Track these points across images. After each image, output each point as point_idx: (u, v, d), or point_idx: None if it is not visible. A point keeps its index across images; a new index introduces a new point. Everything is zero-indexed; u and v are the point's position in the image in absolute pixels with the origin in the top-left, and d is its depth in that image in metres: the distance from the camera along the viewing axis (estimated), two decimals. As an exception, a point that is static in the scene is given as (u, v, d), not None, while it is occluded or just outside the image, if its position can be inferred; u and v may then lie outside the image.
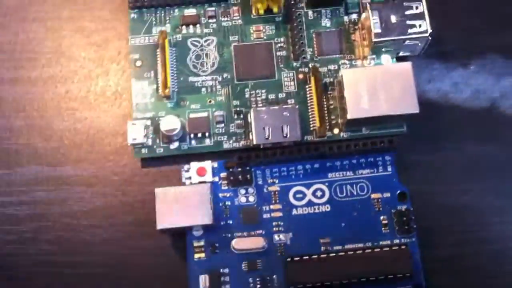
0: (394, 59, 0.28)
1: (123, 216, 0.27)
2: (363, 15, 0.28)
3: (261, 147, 0.27)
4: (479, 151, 0.28)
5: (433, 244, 0.26)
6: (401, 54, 0.28)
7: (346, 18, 0.29)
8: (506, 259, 0.26)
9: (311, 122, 0.28)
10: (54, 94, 0.29)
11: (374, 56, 0.29)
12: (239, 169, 0.27)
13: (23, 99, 0.29)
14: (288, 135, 0.27)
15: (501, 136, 0.28)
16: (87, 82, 0.29)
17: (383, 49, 0.28)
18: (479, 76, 0.29)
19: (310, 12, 0.29)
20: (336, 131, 0.28)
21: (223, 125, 0.28)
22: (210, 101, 0.28)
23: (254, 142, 0.27)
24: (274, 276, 0.26)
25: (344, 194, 0.27)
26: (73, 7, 0.30)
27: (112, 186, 0.28)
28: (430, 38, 0.27)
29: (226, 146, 0.28)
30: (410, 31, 0.27)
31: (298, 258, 0.25)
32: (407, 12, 0.27)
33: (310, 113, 0.28)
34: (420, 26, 0.27)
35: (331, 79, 0.28)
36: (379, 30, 0.27)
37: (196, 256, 0.26)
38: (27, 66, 0.30)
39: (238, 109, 0.28)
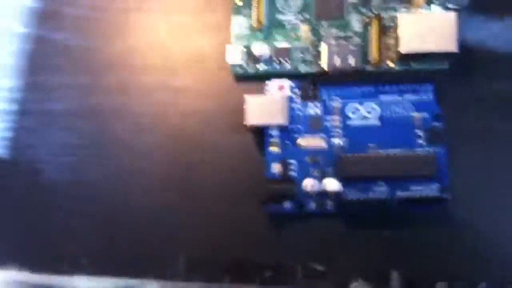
0: (444, 10, 0.33)
1: (220, 115, 0.34)
2: (421, -29, 0.34)
3: (329, 72, 0.33)
4: (504, 88, 0.31)
5: (460, 156, 0.31)
6: (449, 6, 0.33)
7: None
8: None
9: (370, 55, 0.33)
10: (170, 23, 0.35)
11: (426, 5, 0.33)
12: (310, 87, 0.33)
13: (145, 26, 0.35)
14: (352, 64, 0.32)
15: None
16: (196, 14, 0.35)
17: (434, 1, 0.33)
18: (511, 29, 0.33)
19: None
20: (390, 63, 0.33)
21: (301, 54, 0.34)
22: (292, 35, 0.35)
23: (324, 68, 0.32)
24: (330, 168, 0.31)
25: (391, 112, 0.31)
26: None
27: (212, 94, 0.34)
28: None
29: (302, 70, 0.33)
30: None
31: (349, 155, 0.31)
32: None
33: (370, 48, 0.33)
34: None
35: (391, 23, 0.33)
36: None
37: (271, 149, 0.32)
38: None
39: (314, 42, 0.34)
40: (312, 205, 0.31)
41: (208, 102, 0.33)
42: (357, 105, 0.32)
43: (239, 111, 0.32)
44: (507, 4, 0.32)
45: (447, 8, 0.32)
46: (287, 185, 0.30)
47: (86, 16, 0.35)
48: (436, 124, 0.31)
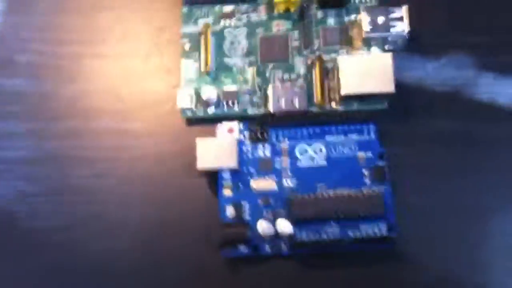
0: (382, 51, 0.30)
1: (173, 159, 0.29)
2: (358, 17, 0.30)
3: (275, 114, 0.29)
4: (441, 126, 0.29)
5: (404, 194, 0.28)
6: (386, 47, 0.30)
7: (346, 18, 0.31)
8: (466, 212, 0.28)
9: (315, 97, 0.30)
10: (122, 68, 0.31)
11: (365, 48, 0.30)
12: (259, 129, 0.29)
13: (98, 71, 0.31)
14: (297, 105, 0.29)
15: (461, 115, 0.29)
16: (146, 59, 0.31)
17: (372, 43, 0.30)
18: (447, 68, 0.30)
19: (319, 12, 0.31)
20: (333, 104, 0.30)
21: (248, 96, 0.30)
22: (239, 78, 0.30)
23: (271, 110, 0.29)
24: (282, 210, 0.28)
25: (337, 152, 0.29)
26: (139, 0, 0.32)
27: (164, 138, 0.30)
28: (407, 36, 0.29)
29: (250, 112, 0.30)
30: (392, 30, 0.29)
31: (300, 197, 0.27)
32: (391, 16, 0.29)
33: (314, 90, 0.30)
34: (400, 26, 0.29)
35: (332, 65, 0.30)
36: (368, 28, 0.29)
37: (224, 192, 0.28)
38: (101, 44, 0.31)
39: (260, 84, 0.30)
40: (267, 248, 0.28)
41: (161, 146, 0.29)
42: (305, 146, 0.29)
43: (192, 154, 0.28)
44: (442, 44, 0.30)
45: (384, 50, 0.30)
46: (242, 229, 0.28)
47: (38, 62, 0.32)
48: (380, 163, 0.28)
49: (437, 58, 0.30)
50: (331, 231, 0.28)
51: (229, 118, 0.30)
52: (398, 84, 0.29)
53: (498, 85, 0.30)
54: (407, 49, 0.30)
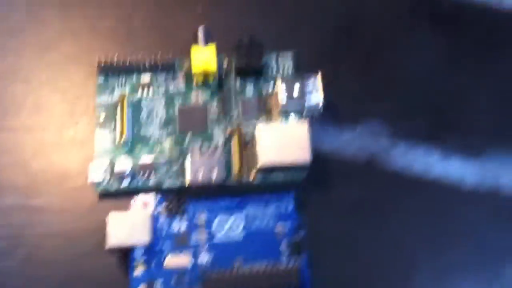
0: (299, 120, 0.30)
1: (79, 238, 0.28)
2: (275, 88, 0.30)
3: (192, 186, 0.28)
4: (358, 195, 0.29)
5: (323, 262, 0.28)
6: (304, 116, 0.30)
7: (264, 89, 0.31)
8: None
9: (233, 168, 0.29)
10: (33, 141, 0.30)
11: (283, 118, 0.30)
12: (176, 201, 0.28)
13: (6, 144, 0.30)
14: (215, 177, 0.29)
15: (376, 184, 0.30)
16: (60, 131, 0.30)
17: (290, 112, 0.30)
18: (362, 137, 0.31)
19: (238, 83, 0.31)
20: (251, 177, 0.29)
21: (166, 167, 0.29)
22: (156, 149, 0.30)
23: (187, 183, 0.29)
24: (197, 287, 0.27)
25: (255, 224, 0.28)
26: (51, 70, 0.31)
27: (74, 214, 0.29)
28: (321, 108, 0.30)
29: (166, 185, 0.29)
30: (306, 102, 0.30)
31: (215, 274, 0.27)
32: (306, 86, 0.30)
33: (233, 161, 0.29)
34: (315, 97, 0.30)
35: (251, 135, 0.30)
36: (284, 101, 0.30)
37: (136, 271, 0.27)
38: (12, 117, 0.30)
39: (178, 155, 0.30)
40: None
41: (70, 222, 0.28)
42: (222, 219, 0.28)
43: (104, 231, 0.27)
44: (358, 113, 0.31)
45: (301, 118, 0.30)
46: None
47: None
48: (298, 235, 0.28)
49: (353, 127, 0.31)
50: None
51: (145, 190, 0.29)
52: (316, 153, 0.29)
53: (412, 153, 0.31)
54: (324, 117, 0.31)
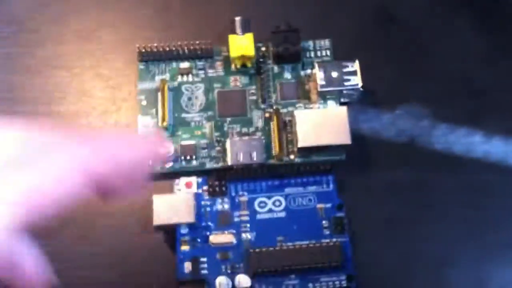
0: (338, 104, 0.32)
1: (128, 217, 0.30)
2: (313, 71, 0.33)
3: (234, 167, 0.31)
4: (399, 176, 0.31)
5: (363, 244, 0.30)
6: (342, 100, 0.32)
7: (302, 73, 0.33)
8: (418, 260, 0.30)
9: (272, 150, 0.32)
10: (78, 125, 0.33)
11: (321, 101, 0.32)
12: (217, 183, 0.30)
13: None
14: (255, 159, 0.31)
15: (417, 165, 0.32)
16: (103, 116, 0.33)
17: (328, 97, 0.32)
18: (402, 119, 0.33)
19: (275, 67, 0.34)
20: (291, 157, 0.32)
21: (206, 150, 0.32)
22: (197, 132, 0.32)
23: (229, 164, 0.31)
24: (241, 264, 0.29)
25: (296, 204, 0.30)
26: (93, 58, 0.34)
27: None
28: (361, 89, 0.32)
29: (208, 166, 0.32)
30: (346, 84, 0.32)
31: (259, 250, 0.29)
32: (345, 70, 0.32)
33: (272, 143, 0.32)
34: (353, 80, 0.32)
35: (289, 118, 0.32)
36: (323, 83, 0.32)
37: (182, 248, 0.29)
38: (57, 103, 0.33)
39: (218, 138, 0.32)
40: None
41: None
42: (264, 199, 0.31)
43: (149, 211, 0.29)
44: (396, 96, 0.33)
45: (340, 103, 0.32)
46: (198, 286, 0.28)
47: None
48: (339, 214, 0.30)
49: (392, 109, 0.33)
50: (291, 283, 0.29)
51: (187, 172, 0.31)
52: (356, 135, 0.31)
53: (454, 134, 0.33)
54: (363, 101, 0.32)
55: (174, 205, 0.29)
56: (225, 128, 0.32)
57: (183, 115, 0.33)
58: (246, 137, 0.32)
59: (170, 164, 0.31)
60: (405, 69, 0.34)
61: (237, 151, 0.31)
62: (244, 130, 0.32)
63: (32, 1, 0.35)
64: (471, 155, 0.32)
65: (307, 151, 0.31)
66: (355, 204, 0.30)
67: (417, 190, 0.31)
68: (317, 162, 0.31)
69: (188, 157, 0.32)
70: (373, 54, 0.34)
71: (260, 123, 0.32)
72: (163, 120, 0.32)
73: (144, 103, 0.33)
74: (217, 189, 0.31)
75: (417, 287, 0.29)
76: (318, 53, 0.34)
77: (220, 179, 0.31)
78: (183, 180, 0.31)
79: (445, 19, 0.35)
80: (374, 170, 0.32)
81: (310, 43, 0.34)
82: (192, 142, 0.32)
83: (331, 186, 0.31)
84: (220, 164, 0.31)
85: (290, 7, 0.35)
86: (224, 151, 0.31)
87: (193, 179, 0.31)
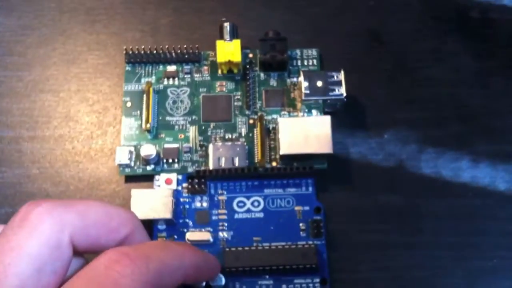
0: (322, 114, 0.38)
1: None
2: (298, 79, 0.39)
3: (215, 172, 0.36)
4: (387, 198, 0.36)
5: (338, 247, 0.35)
6: (326, 110, 0.38)
7: (288, 81, 0.39)
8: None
9: (255, 156, 0.37)
10: (63, 150, 0.38)
11: (306, 110, 0.38)
12: (197, 181, 0.36)
13: (38, 153, 0.38)
14: (237, 164, 0.36)
15: (405, 189, 0.36)
16: (89, 141, 0.38)
17: (312, 106, 0.38)
18: (390, 143, 0.38)
19: (262, 74, 0.39)
20: (273, 163, 0.37)
21: (189, 154, 0.37)
22: (180, 136, 0.38)
23: (210, 168, 0.36)
24: None
25: (275, 205, 0.36)
26: (80, 82, 0.39)
27: (102, 196, 0.37)
28: (345, 99, 0.37)
29: (189, 170, 0.37)
30: (330, 93, 0.37)
31: (234, 248, 0.34)
32: (330, 80, 0.38)
33: (255, 149, 0.37)
34: (338, 90, 0.38)
35: (273, 125, 0.38)
36: (307, 91, 0.38)
37: None
38: (42, 127, 0.38)
39: (201, 143, 0.38)
40: None
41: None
42: (243, 199, 0.36)
43: (127, 205, 0.35)
44: (384, 120, 0.38)
45: (324, 112, 0.38)
46: None
47: None
48: (316, 217, 0.35)
49: (380, 133, 0.38)
50: (265, 283, 0.34)
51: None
52: (342, 155, 0.37)
53: (441, 158, 0.38)
54: (351, 126, 0.38)
55: (152, 200, 0.34)
56: (209, 133, 0.38)
57: (168, 118, 0.38)
58: (229, 143, 0.37)
59: (152, 166, 0.37)
60: (393, 92, 0.39)
61: (219, 155, 0.36)
62: (228, 135, 0.38)
63: (19, 24, 0.41)
64: (458, 179, 0.37)
65: (289, 158, 0.36)
66: (333, 208, 0.36)
67: (403, 215, 0.36)
68: (298, 168, 0.36)
69: (170, 160, 0.37)
70: (360, 76, 0.39)
71: (244, 129, 0.38)
72: (147, 122, 0.38)
73: (128, 104, 0.39)
74: (196, 187, 0.36)
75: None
76: (305, 62, 0.40)
77: (200, 178, 0.36)
78: (163, 176, 0.36)
79: (434, 44, 0.40)
80: (358, 190, 0.37)
81: (298, 51, 0.40)
82: (175, 145, 0.37)
83: (310, 189, 0.36)
84: (202, 169, 0.36)
85: (280, 17, 0.41)
86: (206, 155, 0.37)
87: (173, 176, 0.36)
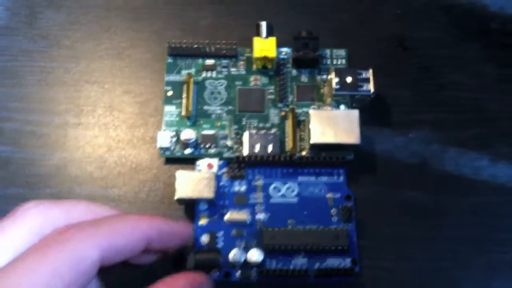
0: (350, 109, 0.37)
1: (153, 196, 0.36)
2: (329, 76, 0.40)
3: (249, 158, 0.35)
4: (408, 194, 0.36)
5: (364, 236, 0.35)
6: (354, 105, 0.38)
7: (318, 77, 0.38)
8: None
9: (286, 145, 0.37)
10: (106, 137, 0.37)
11: (335, 104, 0.38)
12: (236, 167, 0.36)
13: (83, 140, 0.37)
14: (270, 151, 0.35)
15: (428, 186, 0.36)
16: (131, 129, 0.37)
17: (341, 101, 0.38)
18: (414, 142, 0.38)
19: (294, 71, 0.39)
20: (303, 153, 0.37)
21: (224, 141, 0.37)
22: (217, 124, 0.38)
23: (245, 154, 0.35)
24: (254, 241, 0.33)
25: (308, 192, 0.35)
26: (124, 75, 0.39)
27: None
28: (372, 95, 0.37)
29: (225, 155, 0.36)
30: (359, 89, 0.37)
31: (271, 229, 0.33)
32: (359, 77, 0.37)
33: (286, 139, 0.38)
34: (366, 86, 0.38)
35: (303, 118, 0.37)
36: (338, 86, 0.38)
37: (200, 222, 0.34)
38: (87, 115, 0.38)
39: (236, 131, 0.38)
40: (237, 275, 0.32)
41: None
42: (278, 185, 0.35)
43: (172, 188, 0.35)
44: (409, 120, 0.38)
45: (352, 107, 0.37)
46: (215, 255, 0.32)
47: (23, 130, 0.37)
48: (347, 204, 0.34)
49: (405, 132, 0.38)
50: (299, 262, 0.33)
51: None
52: (370, 152, 0.37)
53: (462, 158, 0.37)
54: (378, 125, 0.38)
55: (195, 181, 0.33)
56: (243, 122, 0.37)
57: (205, 107, 0.37)
58: (263, 131, 0.37)
59: (190, 150, 0.36)
60: (417, 95, 0.39)
61: (253, 143, 0.36)
62: (261, 125, 0.37)
63: (67, 20, 0.40)
64: (478, 177, 0.37)
65: (318, 148, 0.35)
66: (363, 197, 0.36)
67: (427, 207, 0.35)
68: (325, 158, 0.36)
69: (208, 145, 0.37)
70: (386, 78, 0.38)
71: (276, 120, 0.37)
72: (187, 110, 0.38)
73: (169, 93, 0.38)
74: (236, 171, 0.35)
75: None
76: (334, 61, 0.39)
77: (239, 164, 0.35)
78: (205, 161, 0.35)
79: (457, 51, 0.40)
80: (383, 184, 0.37)
81: (328, 51, 0.39)
82: (212, 132, 0.37)
83: (342, 178, 0.35)
84: (237, 155, 0.36)
85: (310, 22, 0.40)
86: (241, 142, 0.36)
87: (215, 161, 0.35)
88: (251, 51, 0.38)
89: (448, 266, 0.34)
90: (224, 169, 0.35)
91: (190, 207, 0.34)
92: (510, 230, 0.35)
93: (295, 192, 0.35)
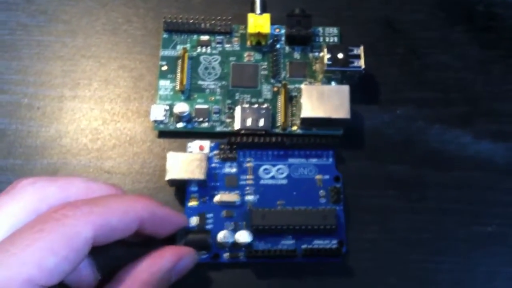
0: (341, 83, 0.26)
1: (147, 168, 0.25)
2: (321, 53, 0.27)
3: (241, 132, 0.25)
4: (394, 168, 0.25)
5: (351, 210, 0.24)
6: (344, 82, 0.26)
7: (311, 55, 0.27)
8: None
9: (278, 120, 0.26)
10: (102, 110, 0.26)
11: (326, 81, 0.27)
12: (228, 149, 0.25)
13: (79, 112, 0.26)
14: (262, 125, 0.25)
15: (413, 159, 0.26)
16: (126, 103, 0.26)
17: (332, 78, 0.26)
18: (401, 118, 0.27)
19: (287, 47, 0.27)
20: (294, 127, 0.26)
21: (218, 115, 0.26)
22: (211, 98, 0.26)
23: (237, 128, 0.25)
24: (244, 222, 0.23)
25: (298, 173, 0.24)
26: (119, 50, 0.27)
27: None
28: (363, 71, 0.26)
29: (218, 129, 0.26)
30: (350, 65, 0.26)
31: (260, 209, 0.23)
32: (350, 53, 0.26)
33: (278, 114, 0.26)
34: (357, 62, 0.26)
35: (295, 93, 0.26)
36: (329, 62, 0.26)
37: (190, 203, 0.24)
38: (83, 88, 0.27)
39: (229, 106, 0.26)
40: (226, 256, 0.23)
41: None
42: (268, 166, 0.25)
43: (163, 168, 0.24)
44: (396, 99, 0.27)
45: (342, 84, 0.26)
46: (204, 236, 0.23)
47: (20, 102, 0.26)
48: (335, 185, 0.24)
49: (393, 109, 0.27)
50: (287, 243, 0.23)
51: (198, 133, 0.25)
52: (358, 126, 0.26)
53: (447, 135, 0.26)
54: (367, 103, 0.27)
55: (187, 162, 0.23)
56: (236, 97, 0.26)
57: (199, 82, 0.26)
58: (255, 106, 0.25)
59: (183, 124, 0.25)
60: (404, 74, 0.27)
61: (245, 117, 0.25)
62: (254, 100, 0.26)
63: None
64: (462, 153, 0.26)
65: (309, 123, 0.25)
66: (351, 176, 0.25)
67: (411, 181, 0.25)
68: (316, 134, 0.25)
69: (201, 119, 0.25)
70: (375, 58, 0.27)
71: (268, 96, 0.26)
72: (181, 84, 0.26)
73: (164, 68, 0.27)
74: (227, 153, 0.25)
75: (405, 268, 0.24)
76: (327, 39, 0.28)
77: (231, 145, 0.25)
78: (197, 143, 0.24)
79: (443, 33, 0.28)
80: (372, 159, 0.26)
81: (320, 29, 0.28)
82: (205, 106, 0.26)
83: (331, 160, 0.25)
84: (229, 129, 0.25)
85: (302, 2, 0.28)
86: (233, 117, 0.25)
87: (206, 143, 0.24)
88: (246, 28, 0.27)
89: (430, 238, 0.24)
90: (216, 151, 0.25)
91: (181, 189, 0.24)
92: (491, 204, 0.25)
93: (285, 174, 0.24)
